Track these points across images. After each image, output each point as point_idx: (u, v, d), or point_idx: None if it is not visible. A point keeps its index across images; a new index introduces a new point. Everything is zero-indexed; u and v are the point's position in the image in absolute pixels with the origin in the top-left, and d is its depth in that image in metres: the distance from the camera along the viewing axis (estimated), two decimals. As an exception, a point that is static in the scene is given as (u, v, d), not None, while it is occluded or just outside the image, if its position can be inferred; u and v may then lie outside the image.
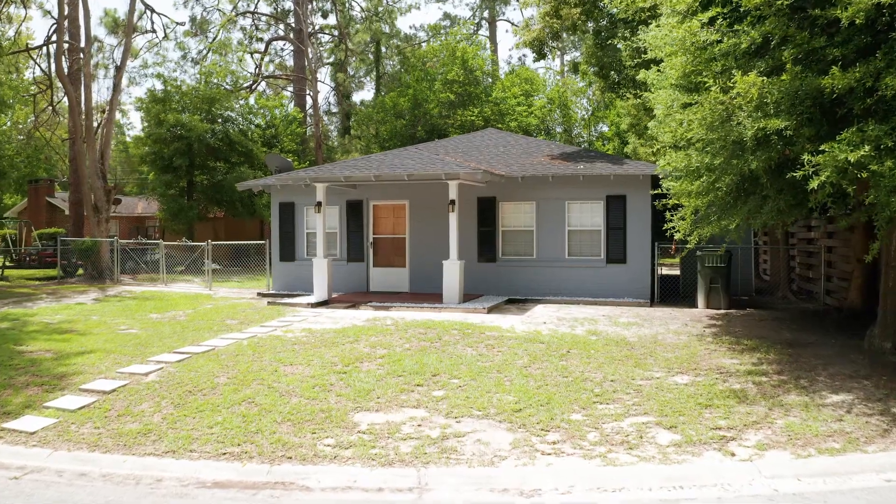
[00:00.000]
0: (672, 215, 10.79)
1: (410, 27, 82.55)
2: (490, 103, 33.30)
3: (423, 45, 43.56)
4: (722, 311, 13.75)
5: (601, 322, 12.11)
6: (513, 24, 50.85)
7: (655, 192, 11.42)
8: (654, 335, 10.85)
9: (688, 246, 10.74)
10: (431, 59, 36.51)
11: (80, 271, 22.84)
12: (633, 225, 14.89)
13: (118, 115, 29.38)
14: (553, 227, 15.32)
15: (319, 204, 14.80)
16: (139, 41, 39.58)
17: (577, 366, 8.71)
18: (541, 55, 18.33)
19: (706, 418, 7.04)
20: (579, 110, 36.69)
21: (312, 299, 14.66)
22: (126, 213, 40.14)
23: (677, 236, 10.48)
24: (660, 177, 12.64)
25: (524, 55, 54.11)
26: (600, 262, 15.11)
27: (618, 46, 16.63)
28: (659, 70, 13.34)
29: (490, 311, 13.23)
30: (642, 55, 13.50)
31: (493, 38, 46.23)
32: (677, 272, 22.43)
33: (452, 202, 13.81)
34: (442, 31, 43.14)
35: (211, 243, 19.12)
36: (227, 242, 20.38)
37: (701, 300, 14.29)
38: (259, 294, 17.14)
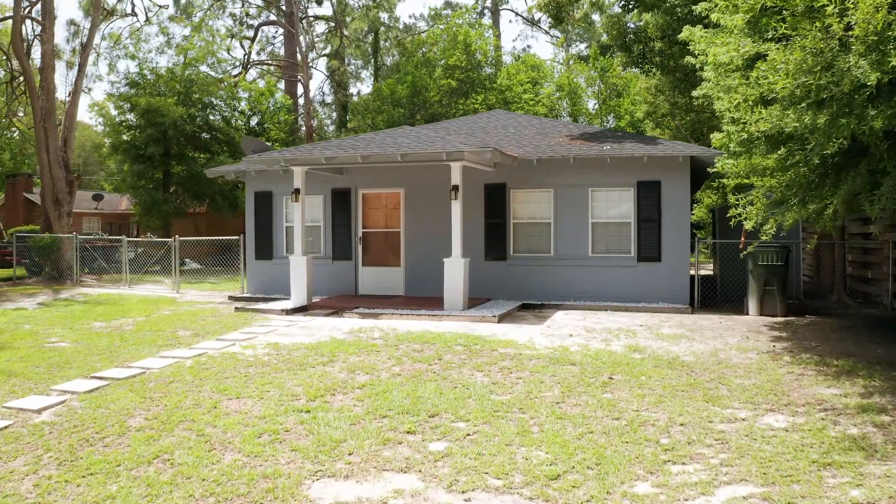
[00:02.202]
0: (739, 199, 8.48)
1: (410, 16, 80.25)
2: (494, 91, 30.97)
3: (424, 35, 41.19)
4: (780, 319, 11.43)
5: (640, 334, 9.78)
6: (517, 13, 48.62)
7: (714, 169, 9.08)
8: (714, 352, 8.52)
9: (761, 237, 8.40)
10: (432, 48, 34.14)
11: (46, 271, 20.55)
12: (670, 216, 12.56)
13: (114, 111, 27.00)
14: (574, 219, 12.99)
15: (297, 192, 12.48)
16: (118, 24, 37.23)
17: (627, 400, 6.38)
18: (557, 20, 16.01)
19: (830, 486, 4.73)
20: (590, 100, 34.33)
21: (288, 304, 12.35)
22: (109, 210, 37.99)
23: (747, 225, 8.16)
24: (715, 159, 10.34)
25: (529, 46, 51.83)
26: (630, 260, 12.77)
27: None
28: (706, 27, 11.03)
29: (501, 319, 10.91)
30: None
31: (496, 23, 43.88)
32: (709, 272, 20.14)
33: (455, 188, 11.50)
34: (443, 17, 40.80)
35: (179, 239, 16.80)
36: (196, 238, 18.06)
37: (753, 305, 11.96)
38: (230, 297, 14.83)
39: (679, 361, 7.97)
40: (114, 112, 25.39)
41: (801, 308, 12.73)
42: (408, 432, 5.56)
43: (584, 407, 6.15)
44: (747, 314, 12.04)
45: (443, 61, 31.84)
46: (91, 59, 36.47)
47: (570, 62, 39.18)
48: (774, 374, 7.43)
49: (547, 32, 54.33)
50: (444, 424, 5.71)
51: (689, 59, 11.89)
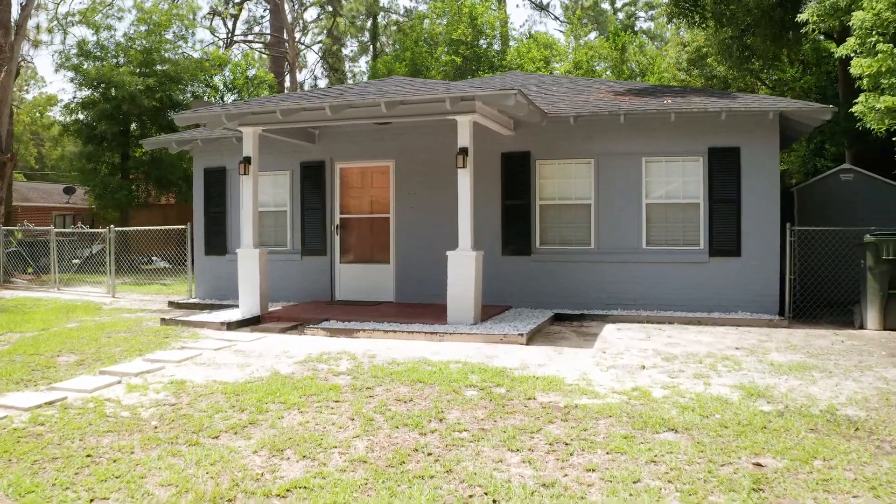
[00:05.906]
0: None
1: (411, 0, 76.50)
2: (504, 69, 27.72)
3: (426, 21, 37.87)
4: (919, 336, 8.14)
5: (745, 363, 6.48)
6: (525, -5, 45.22)
7: (855, 110, 5.80)
8: (884, 397, 5.23)
9: None
10: (433, 30, 30.75)
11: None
12: (752, 195, 9.28)
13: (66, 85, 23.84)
14: (623, 200, 9.70)
15: (247, 161, 9.22)
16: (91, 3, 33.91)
17: (827, 532, 3.10)
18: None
19: None
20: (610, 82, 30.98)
21: (236, 315, 9.10)
22: (82, 204, 35.01)
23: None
24: (861, 96, 7.04)
25: (536, 31, 48.56)
26: (699, 253, 9.49)
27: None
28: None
29: (531, 339, 7.63)
30: None
31: (503, 1, 40.58)
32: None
33: (463, 152, 8.23)
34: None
35: (114, 230, 13.59)
36: (135, 228, 14.84)
37: (872, 315, 8.69)
38: (171, 304, 11.59)
39: (842, 418, 4.70)
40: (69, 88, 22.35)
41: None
42: None
43: (750, 558, 2.87)
44: (863, 327, 8.77)
45: (443, 36, 28.55)
46: (58, 38, 33.33)
47: (583, 40, 35.87)
48: None
49: (556, 18, 50.99)
50: None
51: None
